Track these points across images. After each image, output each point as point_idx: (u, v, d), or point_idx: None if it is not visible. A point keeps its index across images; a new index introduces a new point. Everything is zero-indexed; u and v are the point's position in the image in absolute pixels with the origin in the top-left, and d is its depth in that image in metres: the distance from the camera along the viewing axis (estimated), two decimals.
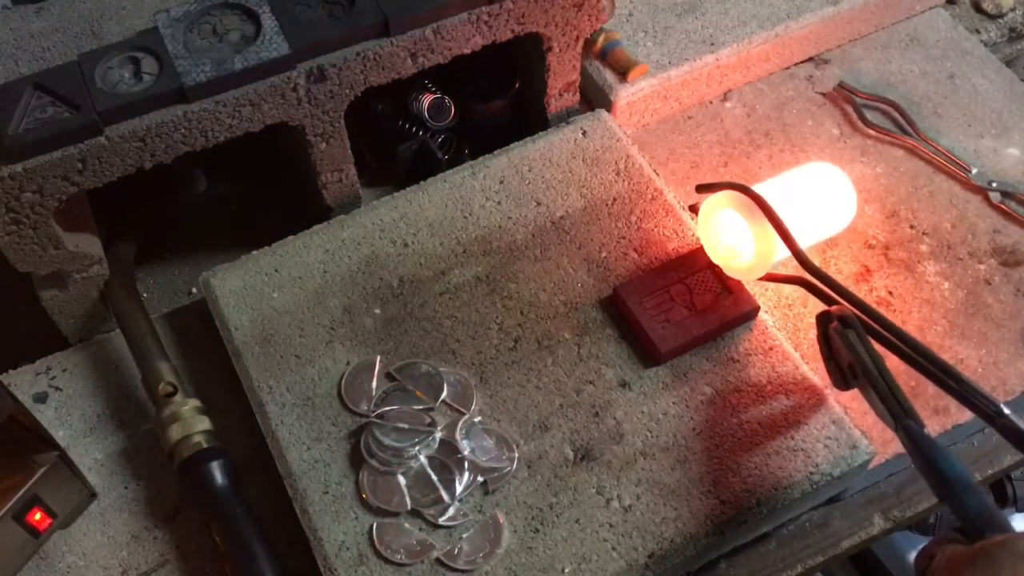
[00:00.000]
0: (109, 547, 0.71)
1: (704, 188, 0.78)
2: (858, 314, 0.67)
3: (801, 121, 0.95)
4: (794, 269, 0.73)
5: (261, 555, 0.67)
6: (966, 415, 0.76)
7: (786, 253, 0.72)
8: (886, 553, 1.24)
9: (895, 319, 0.80)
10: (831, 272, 0.81)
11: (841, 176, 0.80)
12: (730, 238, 0.76)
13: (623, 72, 0.92)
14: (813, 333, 0.71)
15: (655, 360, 0.74)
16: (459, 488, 0.68)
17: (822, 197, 0.79)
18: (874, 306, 0.69)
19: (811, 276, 0.71)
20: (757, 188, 0.74)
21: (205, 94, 0.72)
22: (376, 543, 0.66)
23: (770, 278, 0.76)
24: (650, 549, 0.66)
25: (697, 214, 0.79)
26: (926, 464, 0.58)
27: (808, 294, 0.73)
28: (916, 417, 0.60)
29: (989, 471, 0.77)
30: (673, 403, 0.73)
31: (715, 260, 0.77)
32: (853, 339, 0.65)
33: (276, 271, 0.80)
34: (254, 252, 0.81)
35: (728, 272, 0.76)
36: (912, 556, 1.21)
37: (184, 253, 0.90)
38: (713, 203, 0.76)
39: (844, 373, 0.67)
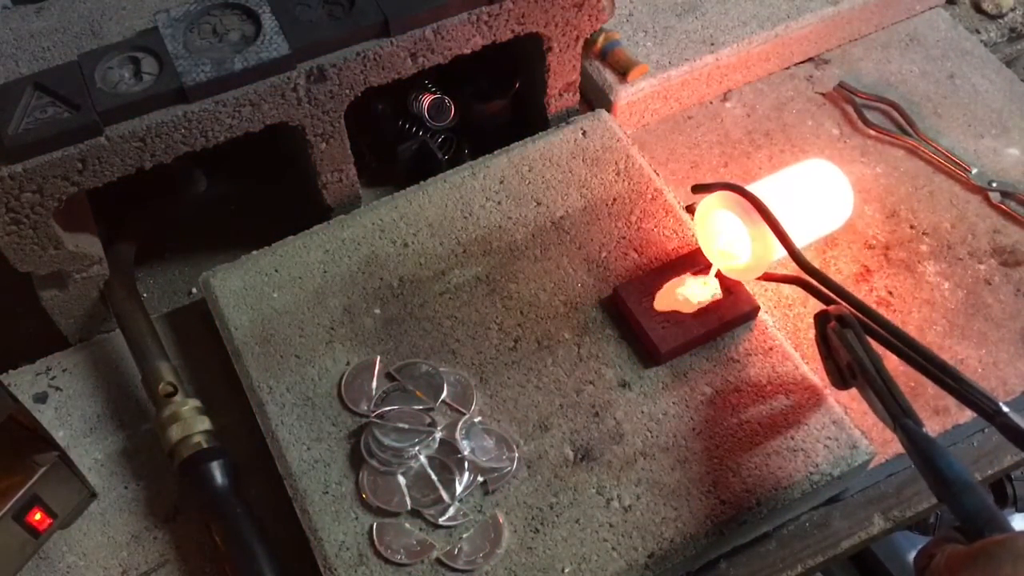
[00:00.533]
0: (109, 547, 0.71)
1: (700, 189, 0.78)
2: (856, 314, 0.67)
3: (801, 121, 0.95)
4: (793, 269, 0.73)
5: (261, 555, 0.67)
6: (966, 416, 0.76)
7: (784, 252, 0.72)
8: (886, 553, 1.23)
9: (895, 319, 0.80)
10: (831, 272, 0.82)
11: (836, 172, 0.80)
12: (726, 239, 0.76)
13: (623, 72, 0.92)
14: (813, 333, 0.71)
15: (655, 360, 0.74)
16: (459, 488, 0.68)
17: (818, 194, 0.79)
18: (872, 305, 0.69)
19: (808, 276, 0.71)
20: (752, 187, 0.74)
21: (205, 94, 0.72)
22: (376, 543, 0.66)
23: (768, 278, 0.76)
24: (650, 549, 0.67)
25: (693, 214, 0.79)
26: (925, 463, 0.57)
27: (808, 294, 0.73)
28: (915, 416, 0.60)
29: (989, 471, 0.77)
30: (673, 403, 0.73)
31: (712, 261, 0.77)
32: (851, 339, 0.65)
33: (276, 271, 0.80)
34: (254, 252, 0.81)
35: (726, 272, 0.76)
36: (912, 556, 1.21)
37: (184, 253, 0.90)
38: (709, 204, 0.76)
39: (842, 373, 0.67)
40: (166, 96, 0.71)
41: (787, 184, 0.78)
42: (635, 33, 0.95)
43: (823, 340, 0.69)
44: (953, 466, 0.56)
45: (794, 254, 0.71)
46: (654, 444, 0.71)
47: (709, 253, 0.77)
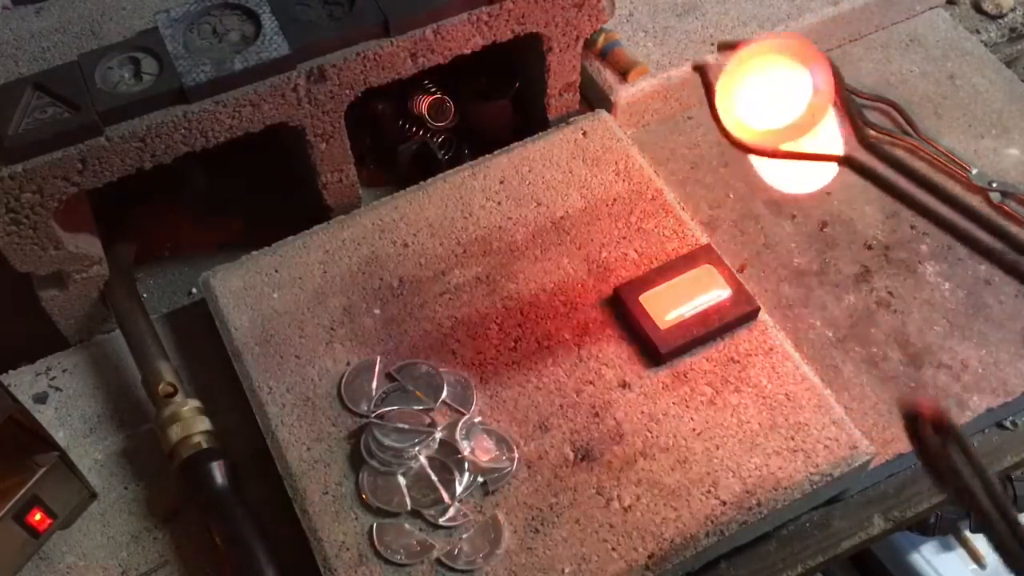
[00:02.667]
0: (109, 547, 0.71)
1: (727, 46, 0.63)
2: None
3: None
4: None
5: (261, 555, 0.67)
6: (966, 416, 0.75)
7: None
8: (886, 553, 1.23)
9: (895, 319, 0.80)
10: (830, 274, 0.81)
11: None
12: (769, 93, 0.64)
13: (623, 72, 0.92)
14: (813, 333, 0.70)
15: (655, 360, 0.74)
16: (459, 488, 0.68)
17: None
18: (872, 306, 0.67)
19: (865, 151, 0.58)
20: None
21: (205, 94, 0.72)
22: (376, 543, 0.66)
23: (803, 156, 0.62)
24: (650, 549, 0.66)
25: (704, 78, 0.65)
26: None
27: (809, 294, 0.72)
28: None
29: (989, 472, 0.77)
30: (673, 403, 0.73)
31: (731, 127, 0.63)
32: (957, 458, 0.49)
33: (276, 271, 0.80)
34: (254, 252, 0.81)
35: (744, 140, 0.62)
36: (912, 556, 1.21)
37: (184, 253, 0.90)
38: (757, 49, 0.62)
39: (946, 482, 0.51)
40: (166, 96, 0.71)
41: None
42: (635, 33, 0.95)
43: (915, 437, 0.51)
44: None
45: (854, 122, 0.59)
46: (654, 444, 0.71)
47: (730, 115, 0.63)
